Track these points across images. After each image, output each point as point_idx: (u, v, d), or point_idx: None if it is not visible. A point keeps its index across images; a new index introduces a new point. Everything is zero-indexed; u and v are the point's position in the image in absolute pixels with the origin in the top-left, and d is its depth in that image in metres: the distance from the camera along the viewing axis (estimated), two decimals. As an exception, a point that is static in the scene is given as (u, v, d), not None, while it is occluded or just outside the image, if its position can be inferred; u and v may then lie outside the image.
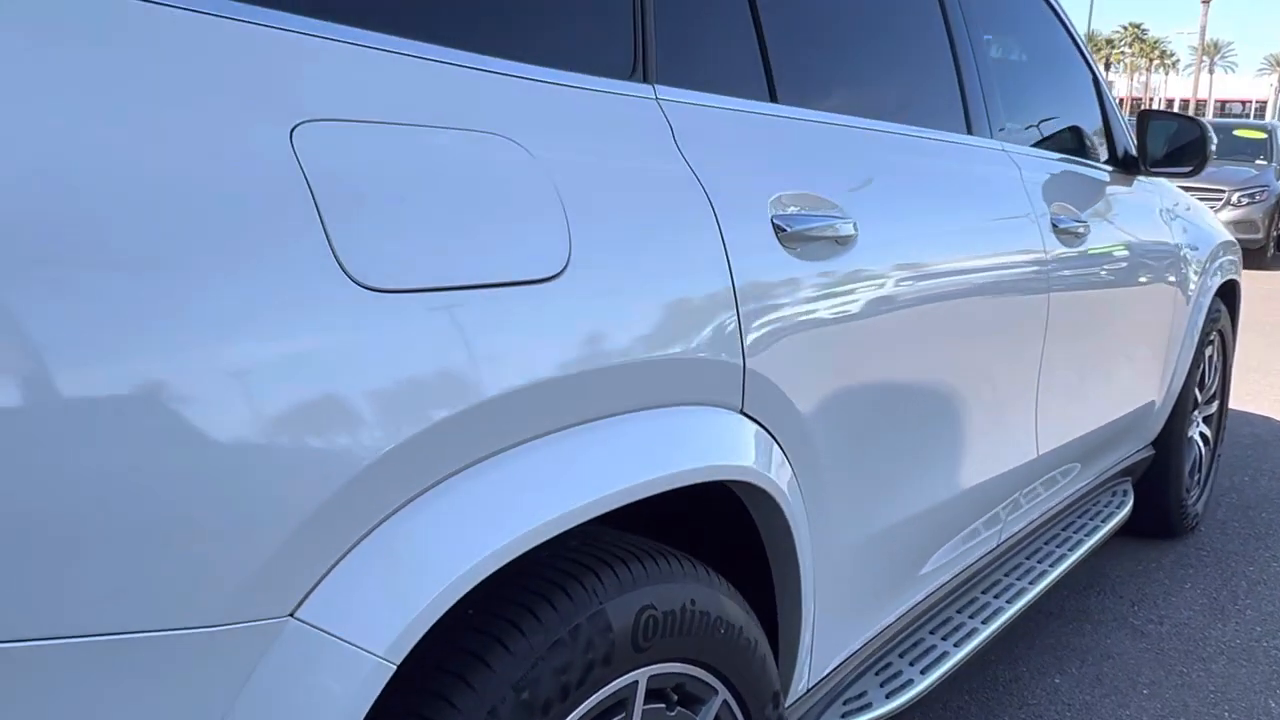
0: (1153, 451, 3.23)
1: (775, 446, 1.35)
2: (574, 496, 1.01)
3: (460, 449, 0.93)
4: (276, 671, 0.80)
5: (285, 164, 0.83)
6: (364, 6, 0.99)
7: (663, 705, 1.21)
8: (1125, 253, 2.64)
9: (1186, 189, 3.80)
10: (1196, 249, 3.17)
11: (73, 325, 0.69)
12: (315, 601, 0.83)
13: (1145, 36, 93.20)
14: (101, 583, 0.72)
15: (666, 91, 1.32)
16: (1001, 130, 2.20)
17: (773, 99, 1.54)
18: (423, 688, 0.95)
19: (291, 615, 0.81)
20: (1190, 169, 2.75)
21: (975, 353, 1.88)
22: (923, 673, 1.94)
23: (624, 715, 1.13)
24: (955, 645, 2.06)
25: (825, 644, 1.64)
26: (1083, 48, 2.74)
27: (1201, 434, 3.65)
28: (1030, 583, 2.38)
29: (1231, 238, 3.53)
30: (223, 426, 0.75)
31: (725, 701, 1.29)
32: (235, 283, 0.77)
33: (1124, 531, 3.55)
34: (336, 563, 0.84)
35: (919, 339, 1.68)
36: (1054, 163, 2.43)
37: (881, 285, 1.58)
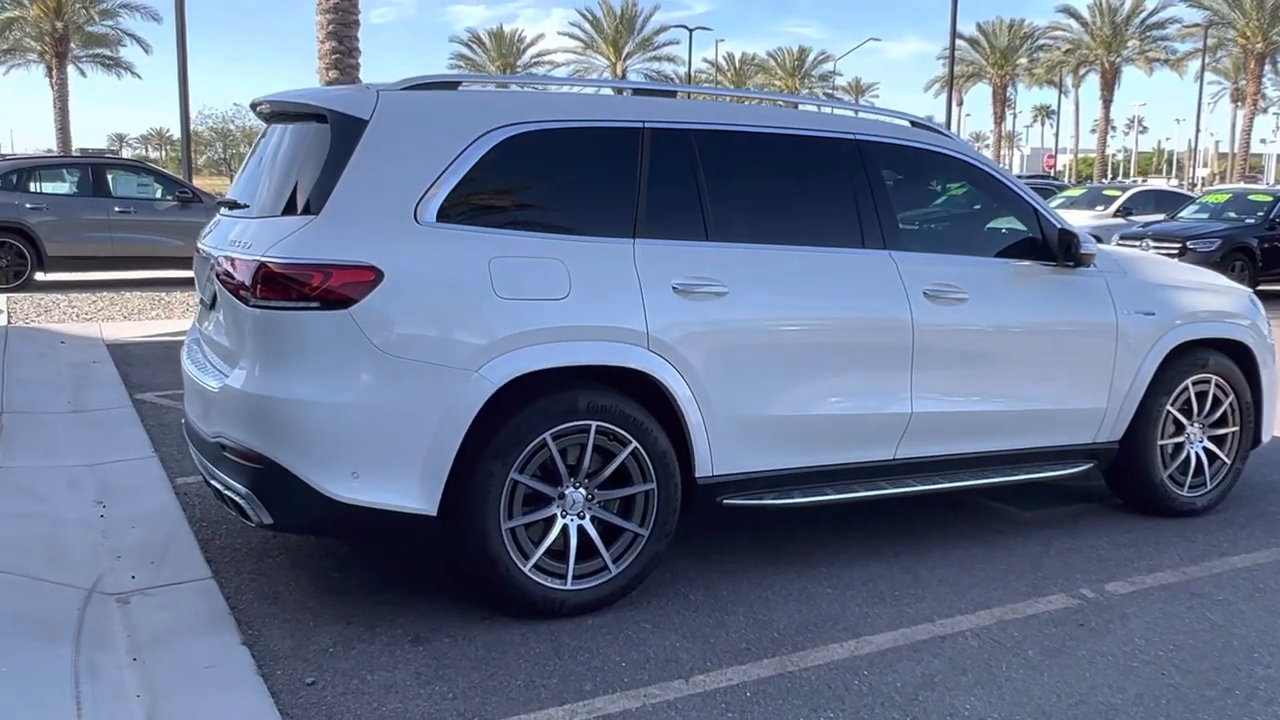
0: (1117, 445, 4.90)
1: (668, 365, 3.82)
2: (564, 358, 3.63)
3: (524, 341, 3.59)
4: (468, 382, 3.52)
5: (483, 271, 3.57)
6: (517, 219, 3.72)
7: (605, 438, 3.75)
8: (1023, 311, 4.55)
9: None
10: (1152, 314, 4.84)
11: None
12: (484, 369, 3.53)
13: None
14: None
15: (641, 241, 3.87)
16: (896, 242, 4.34)
17: (707, 238, 4.00)
18: (514, 410, 3.62)
19: (477, 371, 3.53)
20: (1074, 264, 4.57)
21: (823, 351, 4.11)
22: (804, 496, 4.19)
23: (586, 434, 3.71)
24: (837, 493, 4.26)
25: (724, 458, 4.00)
26: (1017, 189, 4.68)
27: (1206, 449, 5.13)
28: (922, 485, 4.43)
29: (1224, 308, 5.06)
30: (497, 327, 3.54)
31: (636, 448, 3.79)
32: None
33: (1121, 508, 5.17)
34: (486, 361, 3.53)
35: (771, 336, 4.01)
36: (942, 259, 4.46)
37: (742, 309, 3.95)
